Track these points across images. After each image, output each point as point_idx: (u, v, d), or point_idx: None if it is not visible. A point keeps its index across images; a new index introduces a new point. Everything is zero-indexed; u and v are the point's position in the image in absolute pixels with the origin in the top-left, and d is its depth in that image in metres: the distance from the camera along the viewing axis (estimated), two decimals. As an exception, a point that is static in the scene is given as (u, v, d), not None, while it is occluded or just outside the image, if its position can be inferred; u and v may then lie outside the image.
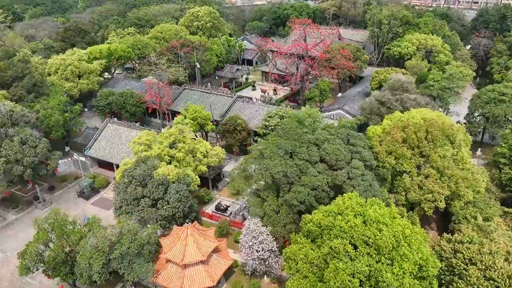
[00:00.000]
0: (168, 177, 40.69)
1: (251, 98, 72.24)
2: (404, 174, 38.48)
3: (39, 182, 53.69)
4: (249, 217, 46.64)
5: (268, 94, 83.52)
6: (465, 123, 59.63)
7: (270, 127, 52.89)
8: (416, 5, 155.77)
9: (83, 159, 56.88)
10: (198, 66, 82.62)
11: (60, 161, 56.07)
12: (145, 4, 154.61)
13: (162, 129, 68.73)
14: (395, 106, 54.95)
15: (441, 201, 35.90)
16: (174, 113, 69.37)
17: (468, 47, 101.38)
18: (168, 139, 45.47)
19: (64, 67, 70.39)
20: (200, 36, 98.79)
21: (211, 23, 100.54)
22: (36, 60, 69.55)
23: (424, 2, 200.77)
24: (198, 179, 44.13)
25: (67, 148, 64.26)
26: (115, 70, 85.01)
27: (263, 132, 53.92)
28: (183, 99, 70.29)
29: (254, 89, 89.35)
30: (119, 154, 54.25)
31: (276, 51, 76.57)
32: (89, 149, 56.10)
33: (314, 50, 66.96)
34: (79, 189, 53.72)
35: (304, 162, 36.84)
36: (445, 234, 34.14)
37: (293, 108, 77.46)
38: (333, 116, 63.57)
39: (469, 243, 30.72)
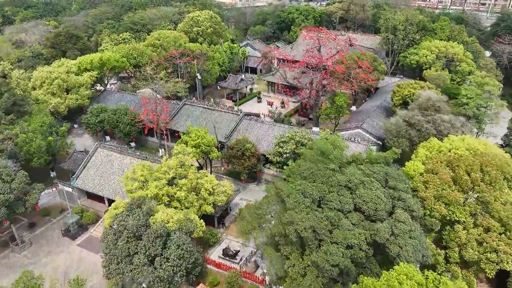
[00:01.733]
0: (167, 224, 33.65)
1: (258, 115, 65.18)
2: (457, 224, 31.51)
3: (18, 217, 46.61)
4: (262, 264, 39.68)
5: (276, 108, 76.40)
6: (501, 146, 52.89)
7: (285, 154, 45.81)
8: (421, 6, 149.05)
9: (70, 189, 49.67)
10: (199, 77, 75.47)
11: (43, 193, 49.02)
12: (141, 6, 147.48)
13: (160, 150, 61.91)
14: (427, 129, 48.05)
15: (508, 262, 29.02)
16: (173, 132, 62.33)
17: (487, 54, 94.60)
18: (167, 175, 38.35)
19: (50, 81, 63.11)
20: (201, 42, 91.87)
21: (212, 29, 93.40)
22: (17, 75, 62.18)
23: (429, 4, 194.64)
24: (203, 224, 37.04)
25: (52, 174, 57.07)
26: (108, 82, 77.69)
27: (276, 160, 46.85)
28: (183, 116, 63.14)
29: (259, 101, 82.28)
30: (110, 186, 47.07)
31: (285, 60, 69.36)
32: (76, 179, 48.87)
33: (330, 62, 59.65)
34: (64, 226, 46.51)
35: (336, 213, 29.84)
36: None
37: (303, 124, 70.87)
38: (353, 137, 56.64)
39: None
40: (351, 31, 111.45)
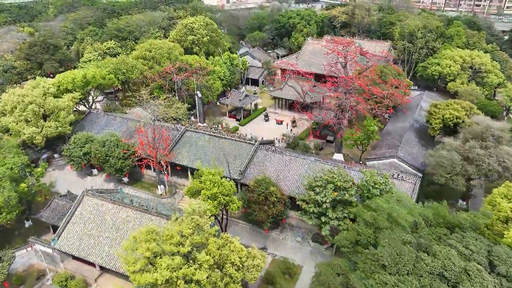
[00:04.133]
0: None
1: (272, 142, 55.80)
2: None
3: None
4: None
5: (290, 130, 67.32)
6: None
7: (324, 204, 36.60)
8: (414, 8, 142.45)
9: (50, 250, 39.33)
10: (199, 94, 65.65)
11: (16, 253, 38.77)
12: (125, 10, 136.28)
13: (159, 187, 51.94)
14: (489, 165, 39.83)
15: None
16: (174, 165, 52.48)
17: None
18: (181, 247, 28.69)
19: (23, 106, 52.36)
20: (196, 52, 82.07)
21: (208, 37, 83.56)
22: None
23: (423, 6, 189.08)
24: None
25: (27, 224, 46.48)
26: (93, 102, 67.06)
27: (312, 210, 37.62)
28: (185, 145, 53.32)
29: (267, 120, 72.96)
30: (101, 249, 37.04)
31: (301, 74, 60.16)
32: (57, 238, 38.58)
33: (361, 81, 50.49)
34: (43, 303, 36.32)
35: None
36: None
37: (321, 148, 61.92)
38: (387, 168, 48.12)
39: None
40: (356, 37, 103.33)
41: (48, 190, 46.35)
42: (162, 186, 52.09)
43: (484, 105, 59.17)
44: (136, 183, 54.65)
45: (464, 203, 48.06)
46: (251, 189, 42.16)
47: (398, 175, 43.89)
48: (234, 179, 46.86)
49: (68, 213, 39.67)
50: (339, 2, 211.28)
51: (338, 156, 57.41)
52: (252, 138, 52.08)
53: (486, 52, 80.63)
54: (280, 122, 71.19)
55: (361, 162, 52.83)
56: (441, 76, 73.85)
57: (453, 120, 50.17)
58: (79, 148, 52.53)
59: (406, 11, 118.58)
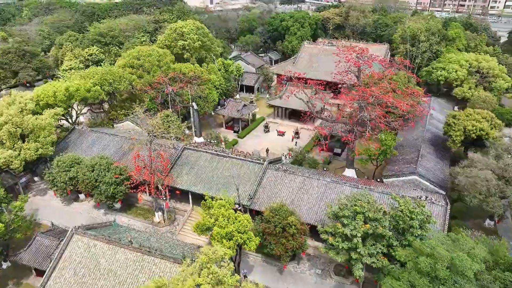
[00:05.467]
0: None
1: (280, 159, 50.91)
2: None
3: None
4: None
5: (295, 142, 62.89)
6: None
7: (355, 239, 31.95)
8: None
9: (33, 302, 33.38)
10: (195, 106, 60.18)
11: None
12: (106, 12, 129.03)
13: (156, 214, 46.32)
14: (530, 186, 36.17)
15: None
16: (173, 189, 46.88)
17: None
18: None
19: (-3, 126, 45.92)
20: (187, 59, 76.47)
21: (200, 42, 77.89)
22: None
23: (408, 6, 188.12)
24: None
25: (4, 265, 40.16)
26: (77, 117, 60.69)
27: (340, 245, 32.88)
28: (184, 166, 47.82)
29: (267, 131, 68.12)
30: (97, 300, 31.37)
31: (306, 82, 55.33)
32: (43, 288, 32.65)
33: (378, 91, 45.82)
34: None
35: None
36: None
37: (330, 162, 57.64)
38: (409, 185, 44.16)
39: None
40: (352, 40, 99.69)
41: (28, 227, 40.12)
42: (160, 213, 46.51)
43: (500, 113, 55.97)
44: (130, 209, 48.82)
45: (492, 223, 44.46)
46: (267, 219, 37.20)
47: (427, 197, 39.73)
48: (244, 206, 41.85)
49: (55, 257, 33.74)
50: (325, 3, 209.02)
51: (350, 172, 53.09)
52: (259, 156, 47.05)
53: (486, 54, 78.14)
54: (282, 134, 66.48)
55: (378, 180, 48.59)
56: (447, 81, 70.52)
57: (476, 132, 46.51)
58: (64, 173, 46.42)
59: (399, 12, 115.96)
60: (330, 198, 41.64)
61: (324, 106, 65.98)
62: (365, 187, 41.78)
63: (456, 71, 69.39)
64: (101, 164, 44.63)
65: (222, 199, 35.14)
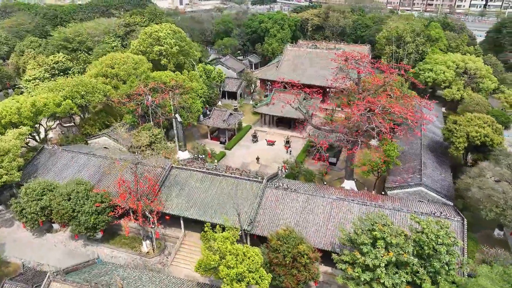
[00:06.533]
0: None
1: (276, 175, 47.09)
2: None
3: None
4: None
5: (289, 153, 59.53)
6: None
7: (379, 269, 28.68)
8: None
9: None
10: (179, 118, 55.40)
11: None
12: (70, 15, 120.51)
13: (144, 243, 41.41)
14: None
15: None
16: (163, 214, 42.04)
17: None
18: None
19: (-49, 152, 39.43)
20: (165, 65, 71.44)
21: (177, 47, 72.90)
22: None
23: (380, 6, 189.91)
24: None
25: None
26: (46, 134, 54.39)
27: (362, 276, 29.50)
28: (173, 187, 43.01)
29: (255, 141, 64.23)
30: None
31: (298, 87, 51.77)
32: None
33: (385, 100, 42.81)
34: None
35: None
36: None
37: (326, 173, 54.63)
38: (414, 197, 41.78)
39: None
40: (333, 41, 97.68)
41: (-5, 270, 34.38)
42: (148, 242, 41.57)
43: (494, 115, 54.85)
44: (114, 238, 43.51)
45: (502, 233, 42.77)
46: (274, 248, 33.38)
47: (441, 213, 37.21)
48: (245, 231, 37.82)
49: (30, 312, 28.41)
50: (297, 3, 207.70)
51: (349, 184, 50.22)
52: (257, 174, 43.05)
53: (471, 55, 77.86)
54: (272, 143, 62.85)
55: (383, 193, 45.90)
56: (434, 83, 69.36)
57: (480, 138, 44.71)
58: (34, 202, 40.59)
59: (374, 12, 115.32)
60: (338, 218, 38.41)
61: (312, 112, 63.09)
62: (374, 204, 38.84)
63: (444, 73, 68.29)
64: (78, 191, 39.18)
65: (224, 228, 31.05)
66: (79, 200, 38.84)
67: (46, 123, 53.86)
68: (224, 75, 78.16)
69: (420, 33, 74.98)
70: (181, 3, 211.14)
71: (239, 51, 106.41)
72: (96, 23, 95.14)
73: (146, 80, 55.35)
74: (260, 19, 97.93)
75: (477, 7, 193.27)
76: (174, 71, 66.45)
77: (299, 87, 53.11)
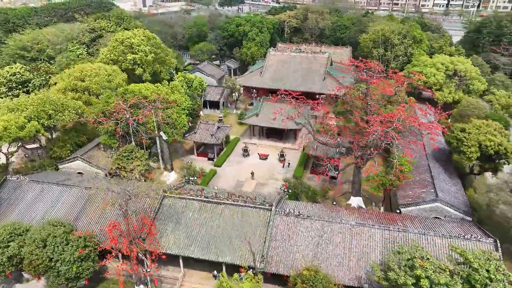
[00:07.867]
0: None
1: (281, 198, 42.37)
2: None
3: None
4: None
5: (287, 165, 55.05)
6: None
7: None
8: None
9: None
10: (164, 137, 49.43)
11: None
12: (24, 19, 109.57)
13: (138, 290, 35.45)
14: None
15: None
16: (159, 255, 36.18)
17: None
18: None
19: None
20: (141, 75, 65.12)
21: (153, 55, 66.61)
22: None
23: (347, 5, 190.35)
24: None
25: None
26: (8, 162, 46.64)
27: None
28: (167, 220, 37.30)
29: (246, 155, 59.27)
30: None
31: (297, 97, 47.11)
32: None
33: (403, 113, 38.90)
34: None
35: None
36: None
37: (329, 189, 50.69)
38: (430, 214, 38.69)
39: None
40: (313, 44, 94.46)
41: None
42: (142, 287, 35.69)
43: (495, 120, 53.12)
44: (101, 283, 37.16)
45: (523, 247, 40.51)
46: (298, 292, 28.84)
47: (472, 235, 34.11)
48: (252, 268, 32.93)
49: None
50: (266, 3, 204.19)
51: (356, 200, 46.54)
52: (264, 200, 38.15)
53: (454, 56, 77.00)
54: (265, 157, 58.13)
55: (398, 211, 42.45)
56: (426, 85, 67.38)
57: (494, 147, 42.35)
58: (0, 250, 33.57)
59: (349, 13, 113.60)
60: (360, 247, 34.39)
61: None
62: (398, 229, 35.19)
63: (434, 75, 66.56)
64: (56, 235, 32.64)
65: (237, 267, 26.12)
66: (57, 247, 32.31)
67: (7, 149, 46.18)
68: (205, 83, 72.59)
69: (406, 35, 73.05)
70: (144, 5, 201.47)
71: (214, 56, 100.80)
72: (57, 28, 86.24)
73: (125, 95, 48.85)
74: (237, 22, 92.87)
75: (440, 6, 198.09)
76: (151, 81, 60.24)
77: (288, 95, 47.85)
